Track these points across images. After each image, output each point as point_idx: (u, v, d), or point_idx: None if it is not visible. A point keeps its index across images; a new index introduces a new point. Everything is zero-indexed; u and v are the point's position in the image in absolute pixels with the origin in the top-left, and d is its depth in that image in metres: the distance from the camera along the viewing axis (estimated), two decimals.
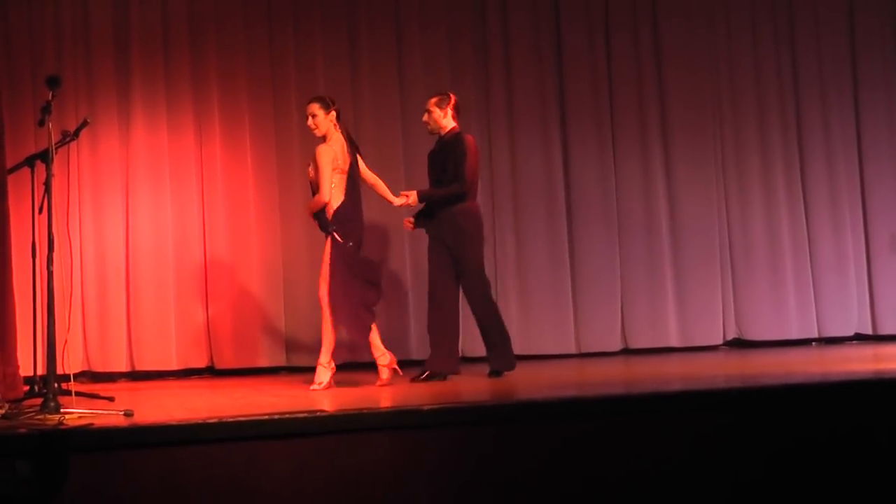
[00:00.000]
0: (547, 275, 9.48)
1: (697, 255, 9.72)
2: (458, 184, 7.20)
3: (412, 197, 7.28)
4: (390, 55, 9.39)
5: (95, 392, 6.30)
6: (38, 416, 5.19)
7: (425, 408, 4.92)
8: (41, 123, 5.77)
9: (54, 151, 5.94)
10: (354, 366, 8.68)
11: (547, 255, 9.49)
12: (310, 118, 6.94)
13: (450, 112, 7.37)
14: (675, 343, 9.60)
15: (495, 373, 7.27)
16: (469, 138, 7.35)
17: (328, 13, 9.31)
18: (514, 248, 9.52)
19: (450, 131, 7.35)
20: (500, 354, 7.33)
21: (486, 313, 7.30)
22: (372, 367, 7.13)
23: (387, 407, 5.04)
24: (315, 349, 8.75)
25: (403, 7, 9.45)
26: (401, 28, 9.44)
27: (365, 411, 4.96)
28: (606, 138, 9.72)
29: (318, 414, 4.83)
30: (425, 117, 7.41)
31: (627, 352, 9.57)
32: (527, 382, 6.91)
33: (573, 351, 9.45)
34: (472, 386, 6.80)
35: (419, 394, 6.23)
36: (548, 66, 9.68)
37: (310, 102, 7.00)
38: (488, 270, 9.34)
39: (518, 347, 9.19)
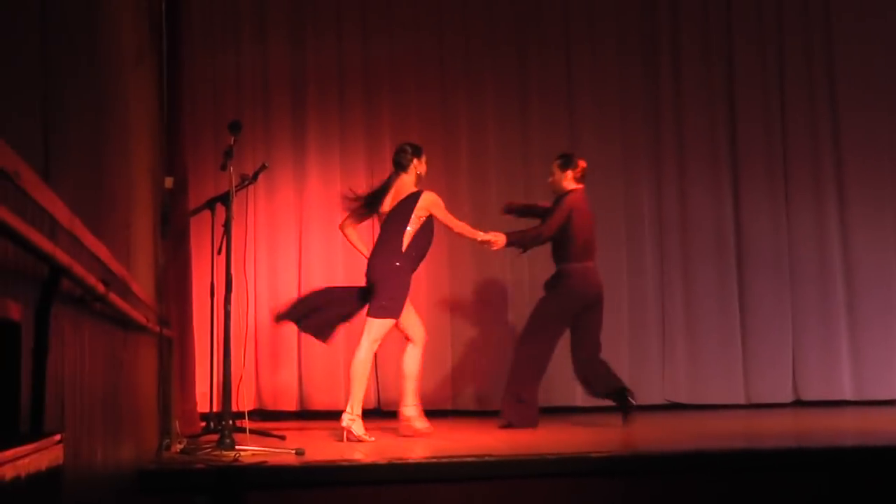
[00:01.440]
0: (716, 322, 9.33)
1: (873, 306, 9.43)
2: (542, 227, 7.50)
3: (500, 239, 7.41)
4: (562, 114, 9.41)
5: (268, 430, 6.46)
6: (215, 453, 5.35)
7: (594, 455, 4.91)
8: (223, 167, 5.99)
9: (234, 194, 6.16)
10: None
11: (716, 302, 9.35)
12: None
13: (571, 175, 7.59)
14: (849, 396, 9.33)
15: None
16: (574, 197, 7.52)
17: (500, 75, 9.37)
18: (683, 295, 9.40)
19: (566, 192, 7.54)
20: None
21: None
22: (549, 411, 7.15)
23: (555, 453, 5.04)
24: (479, 392, 8.86)
25: (574, 55, 9.47)
26: (571, 89, 9.45)
27: (530, 457, 4.98)
28: (779, 184, 9.54)
29: (487, 458, 4.86)
30: (550, 178, 7.70)
31: (799, 403, 9.34)
32: (695, 432, 6.82)
33: (742, 401, 9.27)
34: (638, 434, 6.73)
35: (580, 440, 6.21)
36: (720, 111, 9.57)
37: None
38: (656, 315, 9.32)
39: (686, 396, 9.14)
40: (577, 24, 9.53)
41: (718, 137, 9.55)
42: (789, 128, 9.61)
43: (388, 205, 7.19)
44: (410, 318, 7.13)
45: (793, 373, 9.38)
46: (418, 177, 7.24)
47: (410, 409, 7.02)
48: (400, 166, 7.23)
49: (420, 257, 7.18)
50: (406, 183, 7.19)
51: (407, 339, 7.17)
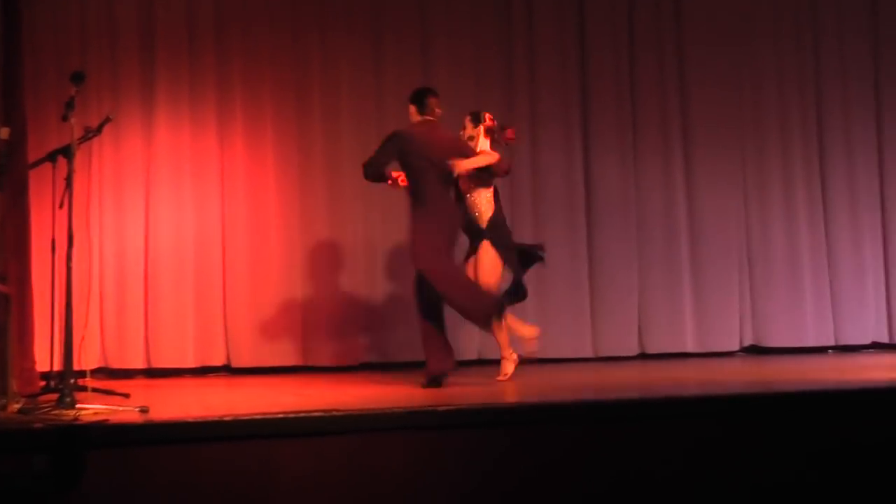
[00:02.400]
0: (565, 278, 9.46)
1: (716, 261, 9.71)
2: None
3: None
4: (415, 61, 9.39)
5: (111, 388, 6.33)
6: (54, 412, 5.21)
7: (441, 408, 4.92)
8: (64, 118, 5.79)
9: (76, 147, 5.97)
10: (381, 366, 8.76)
11: (565, 259, 9.47)
12: None
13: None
14: (691, 349, 9.59)
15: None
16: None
17: (354, 19, 9.31)
18: None
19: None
20: None
21: None
22: (400, 366, 7.16)
23: (402, 407, 5.04)
24: (332, 347, 8.83)
25: (430, 15, 9.45)
26: (427, 35, 9.45)
27: (381, 411, 4.96)
28: (628, 143, 9.71)
29: (335, 413, 4.84)
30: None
31: (644, 356, 9.55)
32: (543, 385, 6.92)
33: (590, 355, 9.44)
34: (487, 388, 6.79)
35: (436, 395, 6.24)
36: (572, 72, 9.69)
37: None
38: (506, 270, 9.40)
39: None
40: None
41: (569, 90, 9.67)
42: (638, 83, 9.78)
43: None
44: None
45: (638, 327, 9.59)
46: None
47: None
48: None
49: None
50: None
51: None
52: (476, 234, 7.26)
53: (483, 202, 7.25)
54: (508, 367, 7.20)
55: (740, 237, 9.82)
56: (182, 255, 8.85)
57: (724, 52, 9.89)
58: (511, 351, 7.26)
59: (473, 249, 7.31)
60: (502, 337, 7.21)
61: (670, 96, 9.79)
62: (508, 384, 6.99)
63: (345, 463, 4.62)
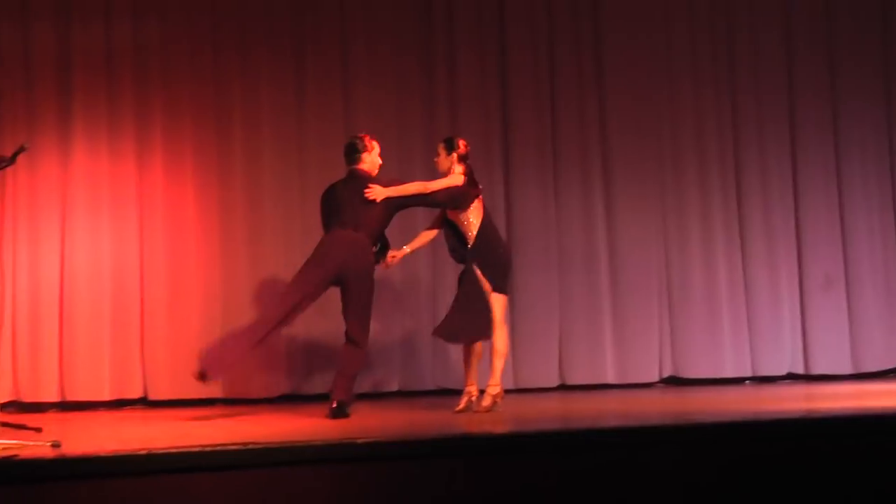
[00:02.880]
0: None
1: (635, 293, 9.78)
2: None
3: None
4: (336, 83, 9.38)
5: (23, 423, 6.20)
6: None
7: (359, 441, 4.89)
8: None
9: None
10: (301, 398, 8.71)
11: None
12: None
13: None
14: (611, 380, 9.64)
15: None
16: None
17: (273, 43, 9.28)
18: (452, 281, 9.48)
19: None
20: None
21: None
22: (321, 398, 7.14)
23: (319, 440, 5.00)
24: (252, 380, 8.75)
25: (350, 37, 9.45)
26: (347, 58, 9.44)
27: (298, 444, 4.92)
28: (548, 173, 9.76)
29: (251, 446, 4.78)
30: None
31: (564, 387, 9.58)
32: (461, 417, 6.90)
33: (509, 386, 9.41)
34: (403, 420, 6.77)
35: (353, 427, 6.20)
36: (492, 100, 9.72)
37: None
38: (425, 300, 9.42)
39: (452, 381, 9.24)
40: (353, 12, 9.50)
41: (491, 126, 9.69)
42: (559, 116, 9.85)
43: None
44: None
45: (559, 358, 9.62)
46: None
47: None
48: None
49: None
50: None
51: None
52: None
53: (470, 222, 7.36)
54: (486, 400, 7.18)
55: (659, 269, 9.91)
56: (99, 285, 8.72)
57: (643, 86, 9.99)
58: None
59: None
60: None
61: (591, 129, 9.87)
62: (433, 416, 6.97)
63: (261, 496, 4.56)
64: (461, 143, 7.49)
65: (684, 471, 5.09)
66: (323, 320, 8.61)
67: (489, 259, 7.29)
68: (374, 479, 4.75)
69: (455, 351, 9.35)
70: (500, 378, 7.23)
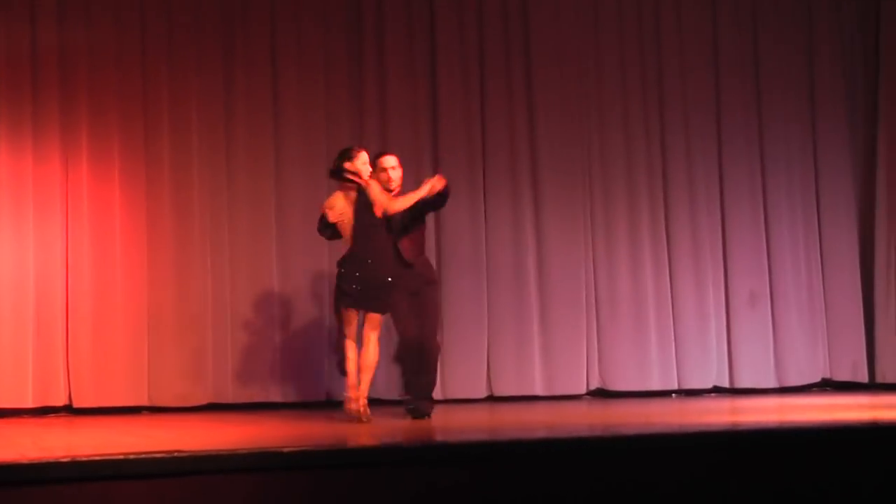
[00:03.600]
0: None
1: (564, 306, 9.84)
2: None
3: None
4: (265, 95, 9.37)
5: None
6: None
7: (285, 450, 4.87)
8: None
9: None
10: (228, 406, 8.67)
11: None
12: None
13: None
14: (539, 391, 9.69)
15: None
16: None
17: (203, 52, 9.24)
18: (454, 286, 9.54)
19: None
20: None
21: None
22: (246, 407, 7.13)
23: (245, 448, 4.97)
24: (178, 388, 8.68)
25: (280, 44, 9.44)
26: (277, 62, 9.42)
27: (223, 452, 4.89)
28: (477, 186, 9.81)
29: (176, 454, 4.74)
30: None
31: (492, 399, 9.61)
32: (390, 427, 6.90)
33: (437, 397, 9.42)
34: (334, 429, 6.75)
35: (283, 436, 6.18)
36: (422, 110, 9.76)
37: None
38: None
39: (382, 392, 9.23)
40: (284, 18, 9.49)
41: (421, 139, 9.72)
42: (488, 130, 9.90)
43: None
44: None
45: (487, 369, 9.65)
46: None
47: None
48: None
49: None
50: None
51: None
52: None
53: None
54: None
55: (588, 282, 9.98)
56: (22, 288, 8.61)
57: (571, 97, 10.07)
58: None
59: None
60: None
61: (519, 140, 9.92)
62: (362, 425, 6.97)
63: None
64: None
65: (610, 482, 5.13)
66: (245, 331, 8.64)
67: None
68: (295, 487, 4.74)
69: (383, 359, 9.37)
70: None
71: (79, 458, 4.56)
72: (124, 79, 9.02)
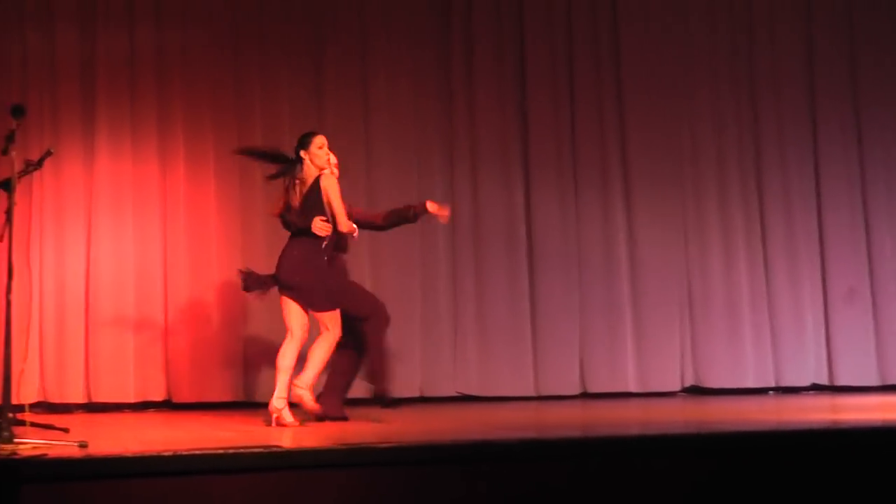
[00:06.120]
0: (506, 317, 9.50)
1: (657, 301, 9.77)
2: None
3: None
4: (356, 103, 9.44)
5: (50, 423, 6.25)
6: None
7: (381, 446, 4.91)
8: (5, 152, 5.75)
9: (17, 181, 5.93)
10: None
11: (506, 298, 9.52)
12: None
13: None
14: (632, 388, 9.63)
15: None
16: None
17: (294, 49, 9.35)
18: (474, 291, 9.53)
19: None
20: None
21: None
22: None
23: (341, 444, 5.03)
24: (274, 383, 8.76)
25: (370, 56, 9.52)
26: (366, 77, 9.50)
27: (319, 448, 4.95)
28: (569, 183, 9.78)
29: (273, 449, 4.82)
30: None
31: (586, 395, 9.58)
32: (484, 423, 6.92)
33: (531, 393, 9.45)
34: (429, 425, 6.78)
35: (374, 431, 6.22)
36: (511, 110, 9.75)
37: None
38: (448, 309, 9.46)
39: (476, 388, 9.29)
40: (372, 23, 9.57)
41: (510, 133, 9.74)
42: (578, 129, 9.86)
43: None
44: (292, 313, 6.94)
45: (580, 366, 9.62)
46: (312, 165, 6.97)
47: (280, 402, 6.79)
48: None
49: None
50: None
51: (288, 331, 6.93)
52: None
53: None
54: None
55: (680, 277, 9.89)
56: (123, 287, 8.80)
57: (662, 94, 9.98)
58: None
59: None
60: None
61: (610, 140, 9.87)
62: (454, 422, 6.98)
63: (281, 500, 4.59)
64: None
65: (705, 480, 5.09)
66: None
67: None
68: (395, 483, 4.78)
69: (476, 356, 9.41)
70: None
71: (180, 453, 4.66)
72: (218, 83, 9.17)
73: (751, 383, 9.80)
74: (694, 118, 10.08)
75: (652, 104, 9.96)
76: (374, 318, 7.16)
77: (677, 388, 9.76)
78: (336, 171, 7.11)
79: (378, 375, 7.12)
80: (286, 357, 6.80)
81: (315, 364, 6.83)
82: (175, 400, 8.81)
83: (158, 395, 8.81)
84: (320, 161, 6.96)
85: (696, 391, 9.81)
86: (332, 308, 6.85)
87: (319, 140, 6.99)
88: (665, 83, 10.02)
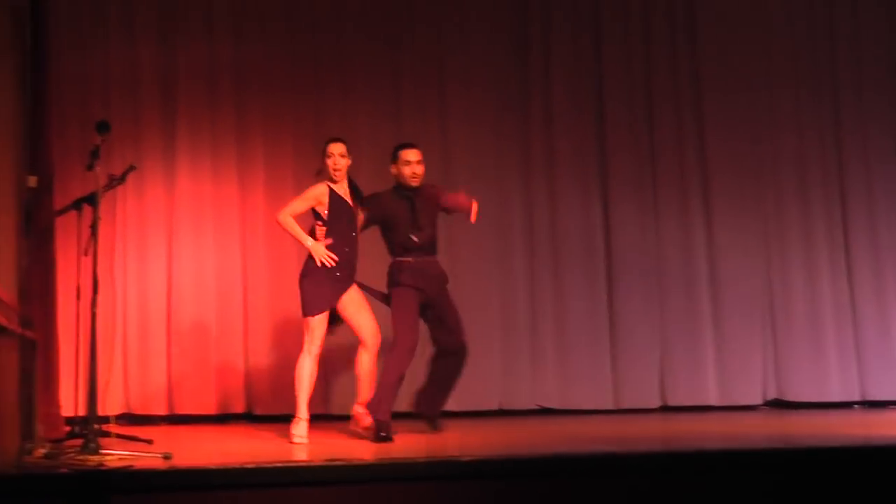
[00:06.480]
0: (585, 330, 9.45)
1: (738, 313, 9.65)
2: None
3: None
4: (433, 117, 9.47)
5: (135, 434, 6.35)
6: (79, 457, 5.24)
7: (462, 459, 4.91)
8: (89, 167, 5.86)
9: (101, 195, 6.04)
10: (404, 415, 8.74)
11: (585, 310, 9.47)
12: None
13: None
14: (713, 401, 9.52)
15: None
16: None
17: (372, 68, 9.40)
18: (553, 302, 9.50)
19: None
20: None
21: None
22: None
23: (422, 458, 5.04)
24: (353, 396, 8.80)
25: (448, 65, 9.54)
26: (444, 92, 9.52)
27: (398, 461, 4.97)
28: (647, 193, 9.71)
29: (354, 462, 4.84)
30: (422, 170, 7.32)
31: (665, 409, 9.50)
32: (563, 436, 6.89)
33: (611, 407, 9.39)
34: (509, 438, 6.76)
35: (456, 444, 6.22)
36: (590, 124, 9.70)
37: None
38: (527, 322, 9.43)
39: (555, 401, 9.25)
40: (449, 31, 9.60)
41: (588, 145, 9.69)
42: (656, 137, 9.79)
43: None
44: (360, 320, 7.11)
45: (660, 378, 9.54)
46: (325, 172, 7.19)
47: (360, 408, 6.98)
48: None
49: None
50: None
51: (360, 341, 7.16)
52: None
53: None
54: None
55: (762, 288, 9.76)
56: (204, 301, 8.91)
57: (742, 102, 9.88)
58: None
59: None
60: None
61: (689, 148, 9.79)
62: (534, 435, 6.95)
63: None
64: None
65: (789, 497, 5.02)
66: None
67: None
68: (475, 496, 4.77)
69: (555, 369, 9.37)
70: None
71: (262, 465, 4.70)
72: (297, 100, 9.24)
73: (835, 397, 9.63)
74: (775, 126, 9.95)
75: (732, 113, 9.85)
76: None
77: (759, 401, 9.63)
78: (340, 175, 7.19)
79: (371, 404, 6.95)
80: (357, 364, 7.12)
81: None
82: (256, 412, 8.88)
83: (239, 407, 8.89)
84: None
85: (779, 404, 9.67)
86: (304, 314, 7.00)
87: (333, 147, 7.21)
88: (745, 91, 9.91)
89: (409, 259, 7.20)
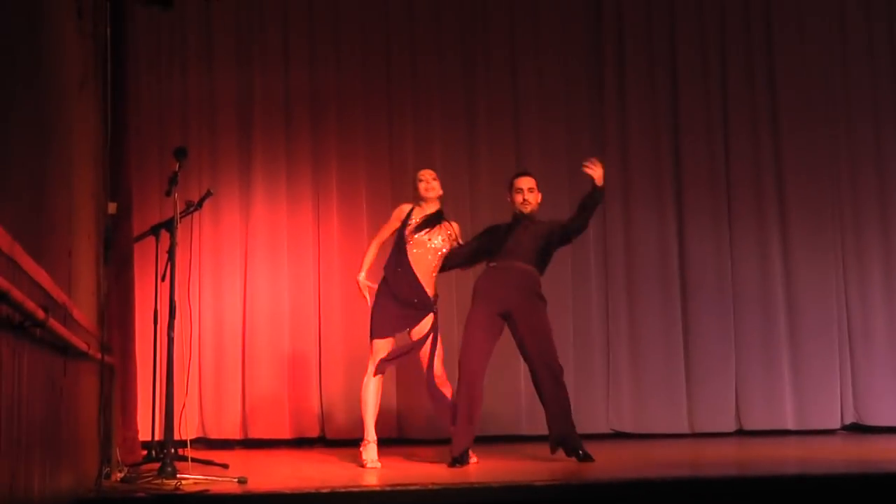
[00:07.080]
0: (660, 352, 9.39)
1: (814, 336, 9.53)
2: None
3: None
4: (508, 141, 9.49)
5: (210, 459, 6.41)
6: (156, 481, 5.30)
7: (538, 483, 4.90)
8: (168, 193, 5.95)
9: (179, 221, 6.12)
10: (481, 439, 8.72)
11: (660, 332, 9.42)
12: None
13: None
14: (790, 426, 9.40)
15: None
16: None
17: (447, 96, 9.47)
18: (627, 325, 9.46)
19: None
20: None
21: None
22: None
23: (500, 482, 5.03)
24: (428, 421, 8.80)
25: (521, 90, 9.57)
26: (519, 115, 9.55)
27: (478, 485, 4.96)
28: (722, 216, 9.63)
29: (430, 487, 4.85)
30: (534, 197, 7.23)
31: (741, 433, 9.40)
32: (637, 460, 6.85)
33: (685, 431, 9.31)
34: (567, 464, 6.74)
35: (527, 469, 6.20)
36: (664, 143, 9.67)
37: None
38: (601, 345, 9.39)
39: (630, 425, 9.18)
40: (524, 54, 9.62)
41: (663, 164, 9.65)
42: (732, 155, 9.72)
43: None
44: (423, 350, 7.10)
45: (736, 402, 9.44)
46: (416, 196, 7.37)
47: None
48: None
49: (392, 276, 7.11)
50: None
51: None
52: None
53: None
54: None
55: (839, 311, 9.63)
56: (278, 326, 8.98)
57: (819, 121, 9.78)
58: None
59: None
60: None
61: (765, 168, 9.70)
62: (609, 460, 6.91)
63: None
64: None
65: None
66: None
67: None
68: None
69: (630, 392, 9.32)
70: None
71: (336, 489, 4.73)
72: (370, 125, 9.32)
73: None
74: (852, 145, 9.83)
75: (808, 132, 9.75)
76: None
77: (837, 425, 9.48)
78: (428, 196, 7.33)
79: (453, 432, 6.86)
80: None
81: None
82: (329, 436, 8.92)
83: (313, 432, 8.94)
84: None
85: (857, 429, 9.52)
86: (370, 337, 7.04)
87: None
88: (822, 112, 9.81)
89: (493, 264, 7.11)
